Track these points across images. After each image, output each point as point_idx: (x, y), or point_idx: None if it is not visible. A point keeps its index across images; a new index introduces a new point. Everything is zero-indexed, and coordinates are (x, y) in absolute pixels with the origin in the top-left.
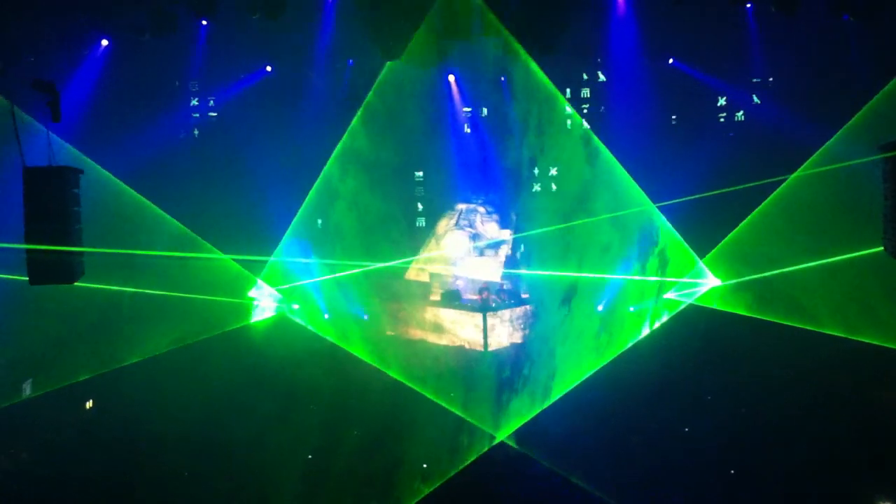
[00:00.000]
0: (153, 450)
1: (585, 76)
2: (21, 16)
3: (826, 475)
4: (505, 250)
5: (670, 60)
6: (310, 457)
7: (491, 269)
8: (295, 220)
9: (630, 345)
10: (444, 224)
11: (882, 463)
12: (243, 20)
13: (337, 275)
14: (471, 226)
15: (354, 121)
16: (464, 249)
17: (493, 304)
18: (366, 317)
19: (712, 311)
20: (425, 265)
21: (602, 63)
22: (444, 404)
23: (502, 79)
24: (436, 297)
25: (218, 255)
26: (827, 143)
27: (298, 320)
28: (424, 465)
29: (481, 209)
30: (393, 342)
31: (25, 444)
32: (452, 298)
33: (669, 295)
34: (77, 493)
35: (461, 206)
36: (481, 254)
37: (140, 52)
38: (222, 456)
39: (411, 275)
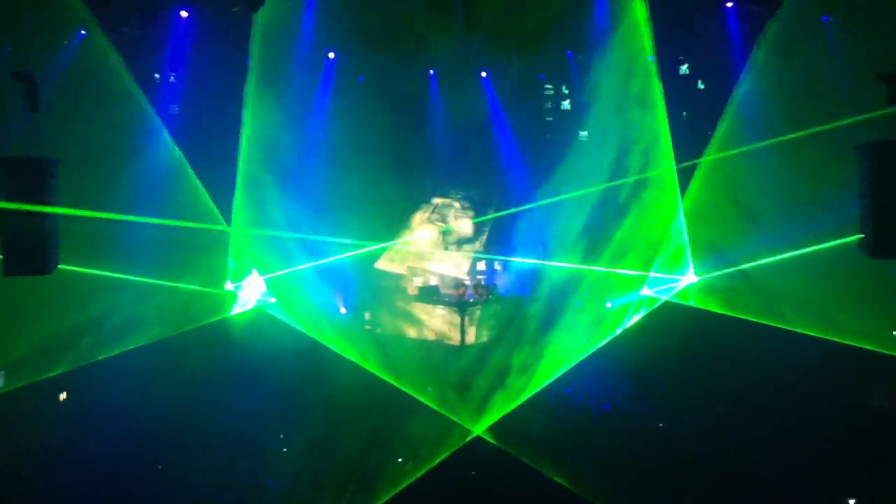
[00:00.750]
0: (130, 446)
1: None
2: None
3: (802, 474)
4: (477, 246)
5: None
6: (284, 450)
7: (459, 265)
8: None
9: (608, 342)
10: (417, 217)
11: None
12: (224, 12)
13: (307, 265)
14: (443, 220)
15: (333, 111)
16: (432, 244)
17: (471, 300)
18: (344, 311)
19: (690, 309)
20: (396, 257)
21: (584, 57)
22: (421, 398)
23: (483, 74)
24: (411, 290)
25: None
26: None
27: (276, 314)
28: (400, 460)
29: (457, 204)
30: (369, 337)
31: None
32: (429, 293)
33: (646, 291)
34: (52, 489)
35: (437, 201)
36: (451, 248)
37: (119, 43)
38: (199, 451)
39: (382, 265)
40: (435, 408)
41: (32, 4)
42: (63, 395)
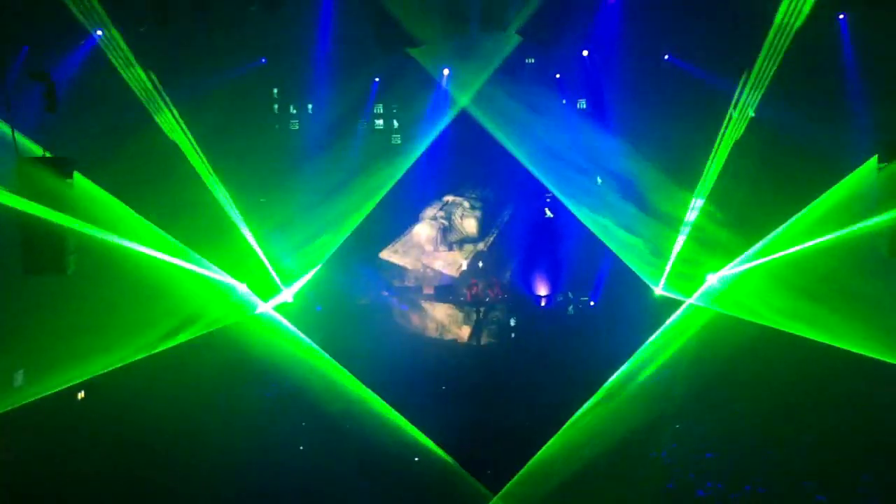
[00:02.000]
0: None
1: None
2: (17, 4)
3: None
4: (480, 247)
5: (665, 56)
6: (301, 448)
7: (452, 264)
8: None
9: (627, 343)
10: (427, 213)
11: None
12: (240, 12)
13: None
14: (447, 219)
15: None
16: (428, 241)
17: (486, 299)
18: (319, 308)
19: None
20: (400, 249)
21: (595, 58)
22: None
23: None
24: (426, 289)
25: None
26: None
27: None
28: (416, 459)
29: (466, 203)
30: (373, 336)
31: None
32: (442, 291)
33: (662, 292)
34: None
35: (448, 198)
36: (450, 248)
37: (136, 43)
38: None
39: (386, 255)
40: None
41: (50, 5)
42: (81, 394)
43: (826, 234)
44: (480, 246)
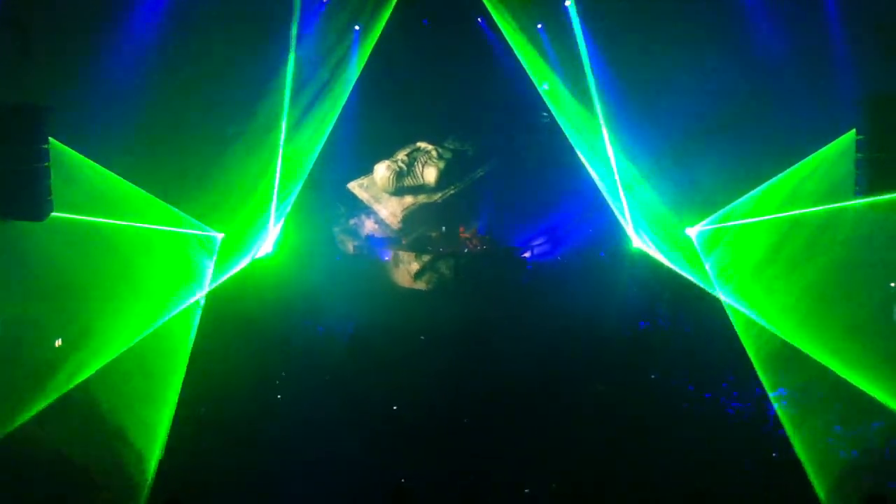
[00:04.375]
0: None
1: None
2: None
3: None
4: (435, 198)
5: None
6: (279, 396)
7: (398, 208)
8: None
9: (600, 297)
10: (397, 155)
11: None
12: None
13: None
14: (408, 164)
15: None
16: (383, 182)
17: (464, 250)
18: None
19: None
20: (365, 183)
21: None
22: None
23: (479, 20)
24: (403, 240)
25: None
26: None
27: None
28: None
29: (434, 152)
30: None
31: None
32: (417, 241)
33: (638, 244)
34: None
35: (420, 144)
36: (397, 194)
37: None
38: None
39: (353, 186)
40: None
41: None
42: (59, 342)
43: None
44: (436, 197)
